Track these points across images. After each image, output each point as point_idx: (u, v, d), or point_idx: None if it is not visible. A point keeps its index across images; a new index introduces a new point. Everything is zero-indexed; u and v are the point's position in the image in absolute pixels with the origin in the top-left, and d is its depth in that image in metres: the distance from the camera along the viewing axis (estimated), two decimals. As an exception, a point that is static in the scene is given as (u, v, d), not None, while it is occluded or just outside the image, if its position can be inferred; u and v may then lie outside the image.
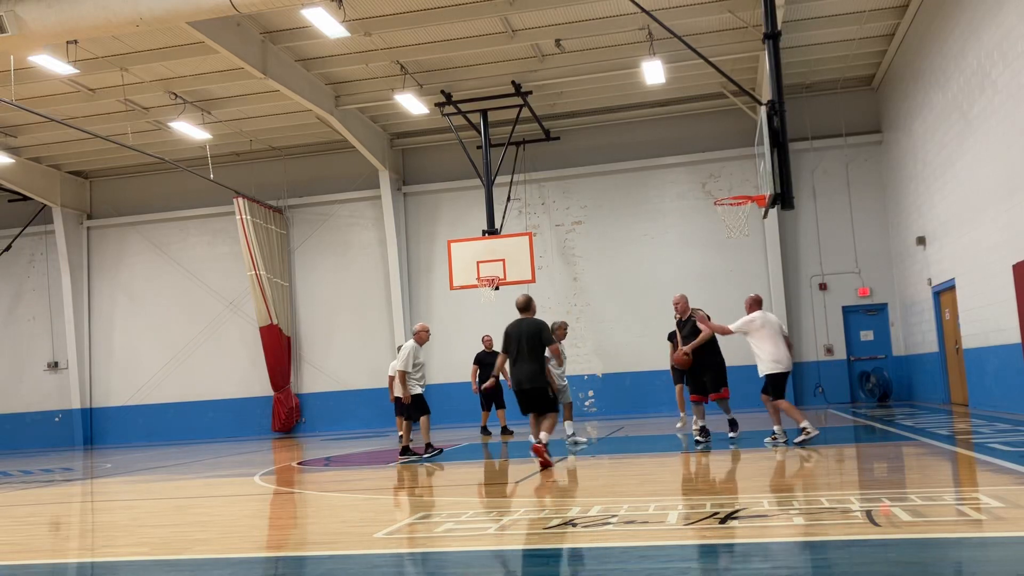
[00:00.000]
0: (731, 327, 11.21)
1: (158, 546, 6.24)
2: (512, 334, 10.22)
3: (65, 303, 24.53)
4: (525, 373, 10.02)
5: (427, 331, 12.95)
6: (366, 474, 11.46)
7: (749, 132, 18.36)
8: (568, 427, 13.08)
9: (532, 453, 9.83)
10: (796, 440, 10.63)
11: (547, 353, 10.27)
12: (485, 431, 16.92)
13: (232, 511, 7.93)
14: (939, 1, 15.63)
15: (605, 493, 7.83)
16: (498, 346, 11.57)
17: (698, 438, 11.67)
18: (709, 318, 11.52)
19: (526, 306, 10.37)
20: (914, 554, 4.58)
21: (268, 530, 6.96)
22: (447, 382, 21.89)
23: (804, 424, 10.72)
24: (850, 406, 19.71)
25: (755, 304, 11.27)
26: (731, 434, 11.84)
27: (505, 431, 16.77)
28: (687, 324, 11.73)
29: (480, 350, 17.10)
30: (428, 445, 12.61)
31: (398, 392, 13.46)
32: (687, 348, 11.49)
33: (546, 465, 9.67)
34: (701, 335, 11.46)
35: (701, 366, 11.54)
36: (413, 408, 12.59)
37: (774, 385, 11.01)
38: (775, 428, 11.19)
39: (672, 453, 11.72)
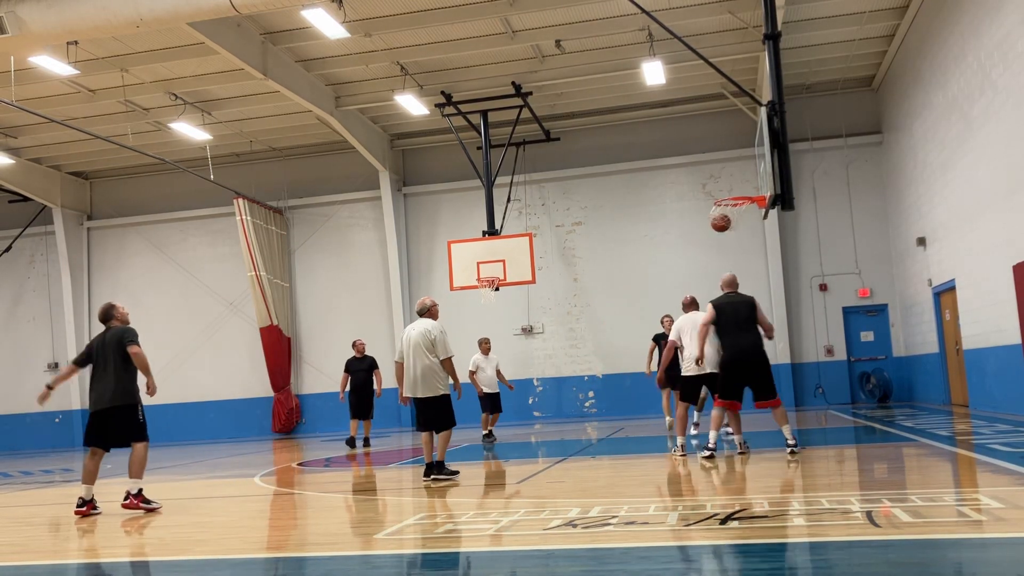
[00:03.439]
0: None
1: (158, 546, 6.24)
2: (95, 345, 8.16)
3: (65, 304, 24.53)
4: (107, 392, 8.00)
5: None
6: (366, 475, 11.46)
7: (749, 133, 18.36)
8: (695, 415, 11.47)
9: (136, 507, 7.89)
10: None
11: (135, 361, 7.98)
12: (352, 443, 15.70)
13: (232, 512, 7.93)
14: (939, 1, 15.63)
15: (605, 494, 7.83)
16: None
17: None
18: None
19: (105, 316, 8.20)
20: (914, 555, 4.58)
21: (268, 531, 6.96)
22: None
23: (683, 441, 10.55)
24: (850, 407, 19.70)
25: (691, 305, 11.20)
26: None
27: (367, 443, 15.85)
28: None
29: (352, 356, 15.95)
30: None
31: (486, 387, 14.57)
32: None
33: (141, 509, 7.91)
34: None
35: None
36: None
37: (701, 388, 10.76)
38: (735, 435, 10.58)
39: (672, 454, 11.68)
